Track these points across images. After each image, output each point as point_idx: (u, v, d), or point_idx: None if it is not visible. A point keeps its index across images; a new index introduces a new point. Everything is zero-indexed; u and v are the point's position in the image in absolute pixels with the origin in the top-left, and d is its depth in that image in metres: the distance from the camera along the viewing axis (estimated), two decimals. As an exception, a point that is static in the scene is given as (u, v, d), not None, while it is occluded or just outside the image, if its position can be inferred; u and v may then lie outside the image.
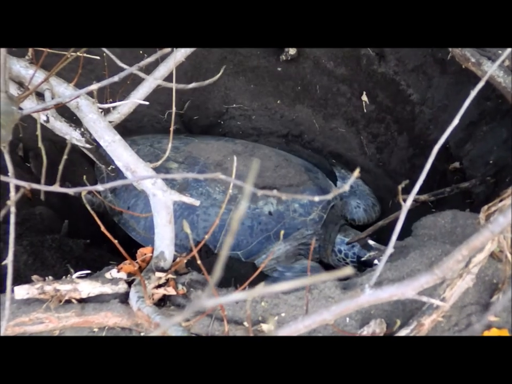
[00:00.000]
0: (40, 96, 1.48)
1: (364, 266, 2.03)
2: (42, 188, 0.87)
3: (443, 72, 2.42)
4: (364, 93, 2.67)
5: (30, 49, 1.43)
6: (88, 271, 1.40)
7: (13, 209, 0.85)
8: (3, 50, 1.13)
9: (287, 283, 0.53)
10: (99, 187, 0.89)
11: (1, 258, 1.38)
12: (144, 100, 1.58)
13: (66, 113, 1.64)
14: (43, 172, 1.08)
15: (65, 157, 1.04)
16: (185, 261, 1.43)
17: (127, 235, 2.15)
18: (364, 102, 2.69)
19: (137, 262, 1.42)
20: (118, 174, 1.99)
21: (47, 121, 1.56)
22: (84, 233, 1.98)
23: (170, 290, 1.33)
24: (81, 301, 1.32)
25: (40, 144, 1.21)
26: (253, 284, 1.23)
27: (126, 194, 2.18)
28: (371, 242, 1.98)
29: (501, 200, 1.28)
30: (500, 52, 1.69)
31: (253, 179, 0.51)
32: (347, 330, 1.25)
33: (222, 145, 2.32)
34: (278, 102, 2.77)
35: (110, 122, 1.49)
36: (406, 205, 0.82)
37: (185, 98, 2.71)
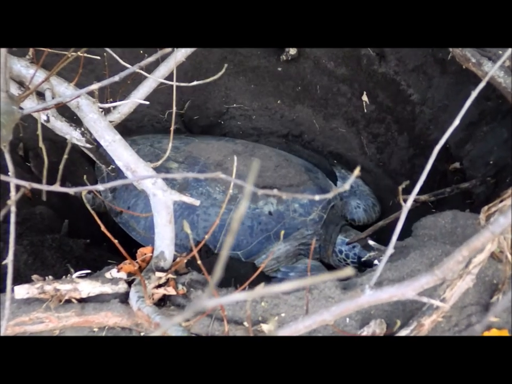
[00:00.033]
0: (40, 95, 1.48)
1: (364, 266, 2.03)
2: (43, 187, 0.87)
3: (443, 72, 2.42)
4: (364, 93, 2.67)
5: (31, 49, 1.43)
6: (88, 271, 1.40)
7: (13, 209, 0.85)
8: (4, 50, 1.13)
9: (287, 283, 0.53)
10: (99, 187, 0.89)
11: (1, 257, 1.38)
12: (144, 100, 1.58)
13: (67, 112, 1.64)
14: (44, 172, 1.08)
15: (65, 156, 1.04)
16: (185, 260, 1.43)
17: (127, 235, 2.15)
18: (364, 102, 2.68)
19: (137, 262, 1.42)
20: (118, 173, 1.99)
21: (48, 120, 1.56)
22: (84, 233, 1.99)
23: (170, 290, 1.33)
24: (81, 300, 1.32)
25: (40, 144, 1.21)
26: (253, 284, 1.23)
27: (126, 194, 2.18)
28: (371, 242, 1.98)
29: (501, 201, 1.28)
30: (500, 52, 1.69)
31: (253, 179, 0.51)
32: (347, 331, 1.25)
33: (222, 145, 2.32)
34: (278, 102, 2.77)
35: (110, 122, 1.49)
36: (407, 206, 0.82)
37: (185, 98, 2.71)
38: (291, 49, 2.61)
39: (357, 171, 0.73)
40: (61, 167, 1.05)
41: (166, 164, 2.15)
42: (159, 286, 1.34)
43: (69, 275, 1.36)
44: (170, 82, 1.39)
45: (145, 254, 1.44)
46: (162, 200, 1.38)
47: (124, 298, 1.33)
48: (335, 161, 2.73)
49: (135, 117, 2.55)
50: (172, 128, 1.49)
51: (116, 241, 1.20)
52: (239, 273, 1.94)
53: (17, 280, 1.37)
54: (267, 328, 1.25)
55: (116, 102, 1.59)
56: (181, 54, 1.60)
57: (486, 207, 1.30)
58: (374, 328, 1.22)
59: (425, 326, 1.21)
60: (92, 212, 1.18)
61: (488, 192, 2.02)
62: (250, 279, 1.24)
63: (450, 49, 1.81)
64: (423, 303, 1.23)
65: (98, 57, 1.68)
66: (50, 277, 1.31)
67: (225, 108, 2.76)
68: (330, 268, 2.21)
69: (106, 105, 1.51)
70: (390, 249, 0.83)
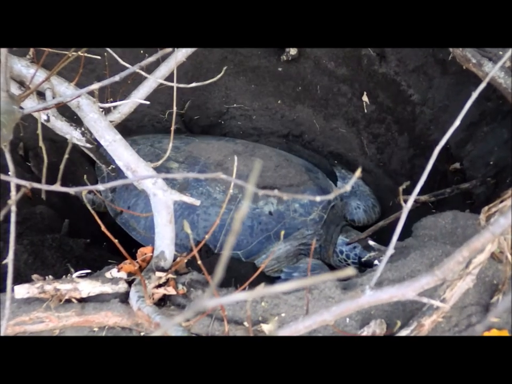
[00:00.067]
0: (41, 95, 1.48)
1: (364, 266, 2.03)
2: (43, 187, 0.87)
3: (444, 73, 2.42)
4: (365, 93, 2.67)
5: (31, 49, 1.43)
6: (89, 271, 1.40)
7: (13, 208, 0.85)
8: (4, 50, 1.13)
9: (287, 283, 0.53)
10: (99, 186, 0.89)
11: (1, 257, 1.38)
12: (145, 100, 1.58)
13: (67, 112, 1.64)
14: (44, 171, 1.08)
15: (66, 156, 1.04)
16: (185, 260, 1.43)
17: (127, 234, 2.15)
18: (364, 102, 2.68)
19: (137, 262, 1.42)
20: (118, 173, 1.99)
21: (48, 120, 1.56)
22: (84, 233, 1.99)
23: (171, 290, 1.33)
24: (81, 300, 1.32)
25: (40, 144, 1.21)
26: (253, 284, 1.23)
27: (126, 194, 2.18)
28: (371, 242, 1.98)
29: (501, 201, 1.28)
30: (501, 52, 1.69)
31: (254, 179, 0.51)
32: (347, 331, 1.25)
33: (223, 145, 2.32)
34: (279, 102, 2.77)
35: (110, 121, 1.49)
36: (407, 206, 0.82)
37: (185, 98, 2.71)
38: (291, 49, 2.61)
39: (358, 172, 0.73)
40: (62, 166, 1.05)
41: (167, 163, 2.15)
42: (159, 285, 1.34)
43: (69, 275, 1.36)
44: (171, 84, 1.38)
45: (145, 254, 1.44)
46: (162, 200, 1.38)
47: (124, 298, 1.33)
48: (335, 161, 2.73)
49: (136, 117, 2.55)
50: (172, 128, 1.49)
51: (116, 241, 1.20)
52: (239, 273, 1.94)
53: (18, 279, 1.37)
54: (267, 328, 1.25)
55: (116, 101, 1.59)
56: (182, 54, 1.60)
57: (486, 208, 1.30)
58: (374, 328, 1.22)
59: (426, 326, 1.21)
60: (92, 212, 1.18)
61: (488, 192, 2.02)
62: (251, 279, 1.24)
63: (451, 49, 1.81)
64: (423, 304, 1.23)
65: (99, 57, 1.69)
66: (50, 276, 1.31)
67: (225, 108, 2.76)
68: (330, 268, 2.21)
69: (107, 105, 1.51)
70: (390, 250, 0.83)
